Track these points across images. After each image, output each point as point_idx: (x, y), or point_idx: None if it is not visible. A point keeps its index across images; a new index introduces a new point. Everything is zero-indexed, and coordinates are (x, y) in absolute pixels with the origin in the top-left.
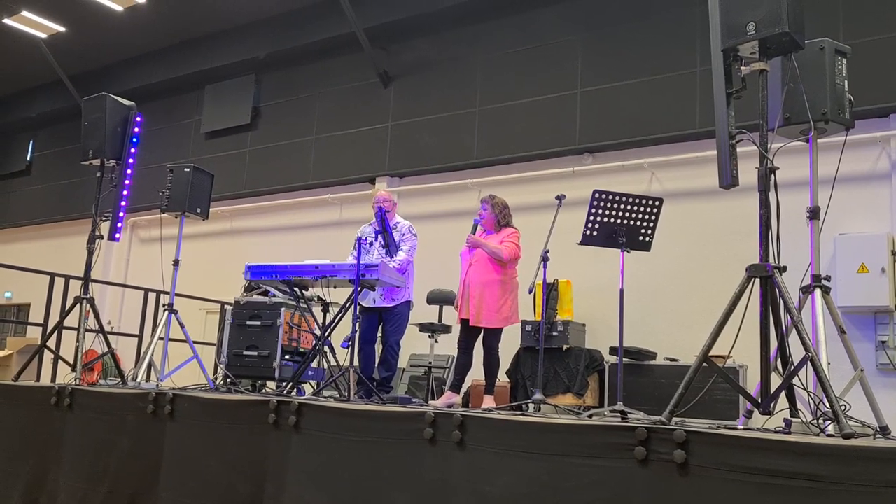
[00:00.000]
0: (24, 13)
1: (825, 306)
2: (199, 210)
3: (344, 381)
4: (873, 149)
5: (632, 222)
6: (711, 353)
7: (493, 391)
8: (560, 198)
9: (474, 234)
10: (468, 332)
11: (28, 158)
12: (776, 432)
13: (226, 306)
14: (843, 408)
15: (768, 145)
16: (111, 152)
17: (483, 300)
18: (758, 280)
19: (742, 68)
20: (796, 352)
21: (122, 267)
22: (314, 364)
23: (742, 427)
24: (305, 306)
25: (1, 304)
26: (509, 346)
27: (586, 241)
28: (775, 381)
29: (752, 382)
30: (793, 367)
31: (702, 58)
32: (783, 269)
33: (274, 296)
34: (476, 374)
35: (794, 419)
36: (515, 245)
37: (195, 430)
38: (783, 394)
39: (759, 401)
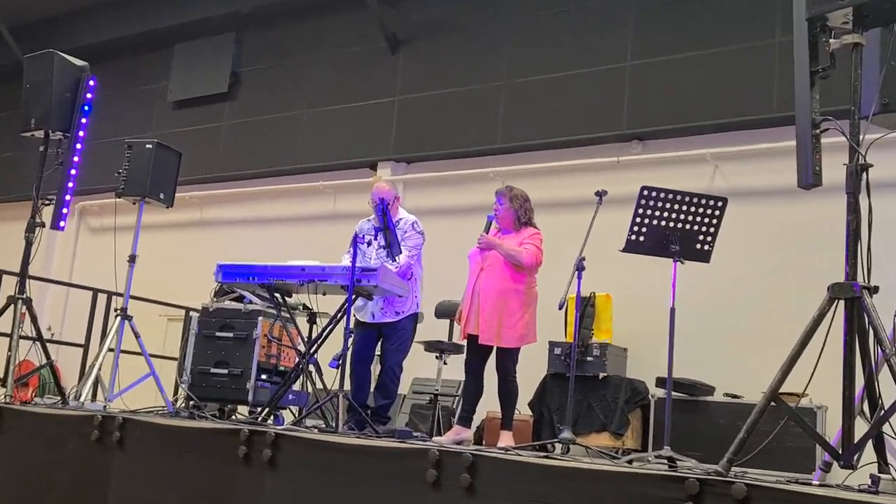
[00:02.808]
0: None
1: None
2: (162, 195)
3: (331, 409)
4: None
5: (688, 226)
6: (782, 391)
7: (511, 426)
8: (601, 194)
9: (488, 232)
10: (477, 352)
11: None
12: (860, 491)
13: (191, 313)
14: None
15: (860, 137)
16: (58, 122)
17: (497, 313)
18: (842, 302)
19: (831, 41)
20: (888, 392)
21: (68, 262)
22: (296, 386)
23: (818, 482)
24: (288, 316)
25: None
26: (533, 372)
27: (631, 247)
28: (860, 427)
29: (831, 428)
30: (883, 412)
31: (782, 27)
32: (874, 289)
33: (250, 302)
34: (491, 404)
35: (882, 475)
36: (537, 248)
37: (149, 463)
38: (870, 444)
39: (840, 451)
